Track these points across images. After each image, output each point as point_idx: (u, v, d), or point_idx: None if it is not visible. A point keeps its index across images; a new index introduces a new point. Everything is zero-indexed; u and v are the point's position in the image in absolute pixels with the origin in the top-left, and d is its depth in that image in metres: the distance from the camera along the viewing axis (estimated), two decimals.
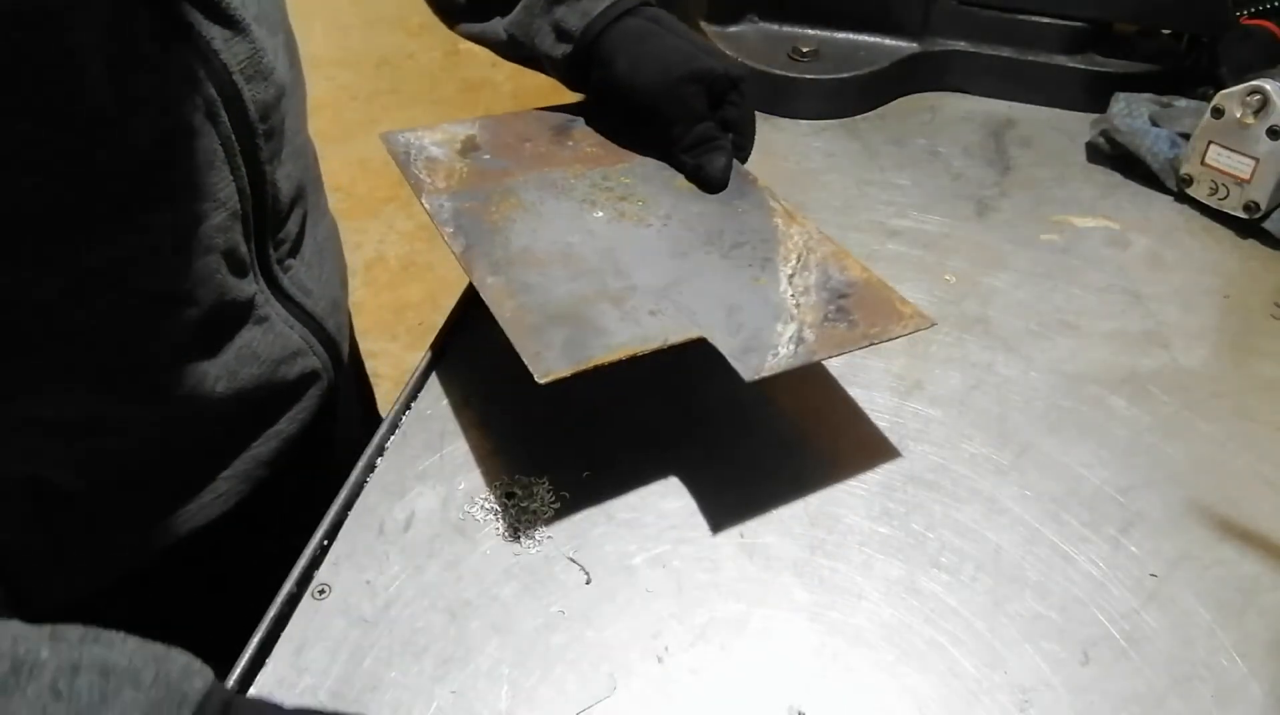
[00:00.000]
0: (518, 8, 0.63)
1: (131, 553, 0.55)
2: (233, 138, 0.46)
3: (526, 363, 0.44)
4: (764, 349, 0.46)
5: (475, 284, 0.49)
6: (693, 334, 0.46)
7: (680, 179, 0.60)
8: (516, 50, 0.65)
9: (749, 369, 0.45)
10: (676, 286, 0.50)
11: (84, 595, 0.54)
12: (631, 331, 0.46)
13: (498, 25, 0.64)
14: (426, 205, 0.55)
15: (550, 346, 0.45)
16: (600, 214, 0.56)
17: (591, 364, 0.44)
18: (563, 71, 0.63)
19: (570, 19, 0.60)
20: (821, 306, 0.49)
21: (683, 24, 0.62)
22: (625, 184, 0.59)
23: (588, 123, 0.65)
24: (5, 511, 0.51)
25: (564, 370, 0.43)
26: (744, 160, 0.63)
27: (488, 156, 0.61)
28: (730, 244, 0.54)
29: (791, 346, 0.46)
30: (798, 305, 0.49)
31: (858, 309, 0.49)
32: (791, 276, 0.51)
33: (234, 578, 0.67)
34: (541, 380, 0.43)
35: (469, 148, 0.62)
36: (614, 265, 0.51)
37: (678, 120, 0.59)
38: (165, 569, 0.56)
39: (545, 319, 0.47)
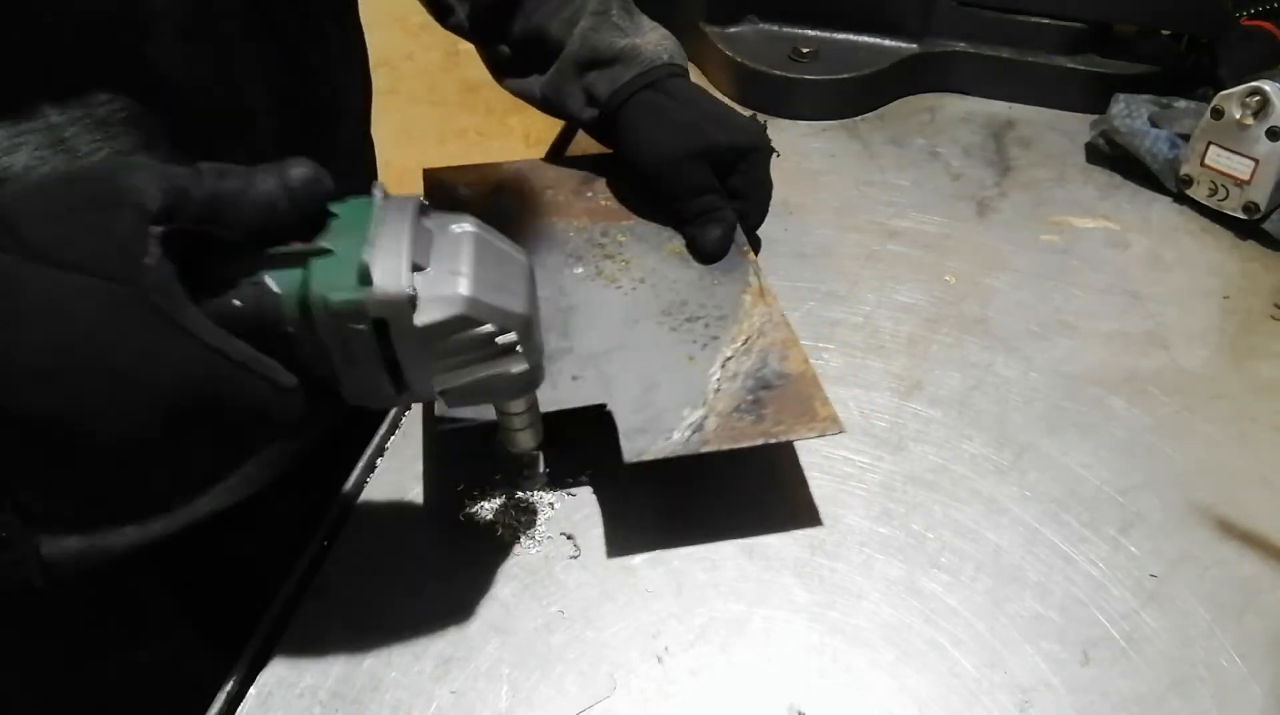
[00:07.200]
0: (551, 69, 0.64)
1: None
2: None
3: (436, 406, 0.46)
4: (659, 432, 0.46)
5: None
6: (595, 402, 0.48)
7: (673, 243, 0.61)
8: (550, 109, 0.66)
9: (633, 451, 0.45)
10: (610, 354, 0.51)
11: (74, 576, 0.54)
12: (543, 393, 0.48)
13: (534, 84, 0.66)
14: None
15: None
16: (580, 270, 0.58)
17: (487, 418, 0.46)
18: (592, 133, 0.66)
19: (599, 85, 0.62)
20: (739, 396, 0.49)
21: (701, 93, 0.63)
22: (620, 242, 0.60)
23: (614, 176, 0.66)
24: None
25: (464, 422, 0.47)
26: (753, 227, 0.63)
27: (506, 201, 0.63)
28: (686, 317, 0.54)
29: (687, 433, 0.47)
30: (717, 390, 0.49)
31: (774, 402, 0.48)
32: (729, 359, 0.51)
33: (228, 573, 0.67)
34: (440, 427, 0.47)
35: (495, 191, 0.64)
36: (565, 325, 0.53)
37: (679, 195, 0.60)
38: (160, 560, 0.56)
39: None
